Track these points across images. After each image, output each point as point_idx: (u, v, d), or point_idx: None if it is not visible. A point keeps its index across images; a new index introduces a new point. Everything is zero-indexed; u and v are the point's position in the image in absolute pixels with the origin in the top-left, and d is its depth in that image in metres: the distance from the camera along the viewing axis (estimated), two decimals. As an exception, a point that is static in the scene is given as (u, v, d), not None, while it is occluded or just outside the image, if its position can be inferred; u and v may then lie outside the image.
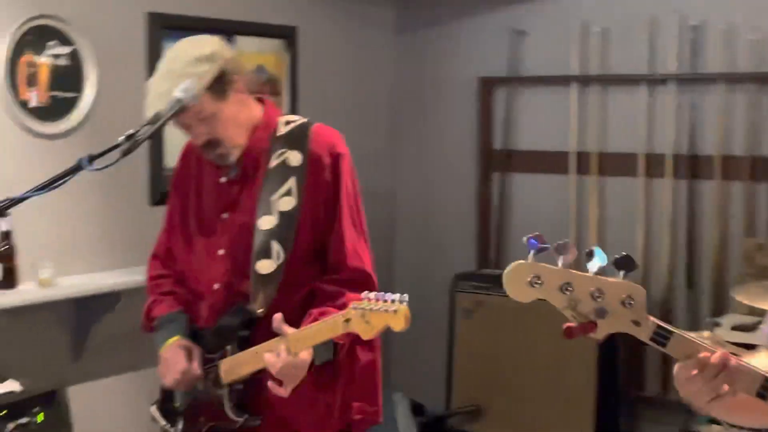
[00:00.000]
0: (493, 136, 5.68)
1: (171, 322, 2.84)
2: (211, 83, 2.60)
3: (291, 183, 2.68)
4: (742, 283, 4.06)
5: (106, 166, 2.42)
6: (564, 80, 5.38)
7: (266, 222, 2.66)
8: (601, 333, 1.82)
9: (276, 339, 2.53)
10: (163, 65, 2.66)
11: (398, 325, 2.37)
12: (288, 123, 2.78)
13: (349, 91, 5.63)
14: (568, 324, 1.83)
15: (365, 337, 2.41)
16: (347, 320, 2.42)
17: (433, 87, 5.84)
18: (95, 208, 4.30)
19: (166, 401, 2.95)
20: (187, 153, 2.91)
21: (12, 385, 3.53)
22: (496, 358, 5.09)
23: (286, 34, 5.18)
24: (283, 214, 2.66)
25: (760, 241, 4.78)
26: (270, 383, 2.54)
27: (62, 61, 4.13)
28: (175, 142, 2.96)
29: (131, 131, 2.46)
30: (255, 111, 2.77)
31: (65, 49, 4.14)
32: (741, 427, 2.79)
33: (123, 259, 4.30)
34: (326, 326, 2.49)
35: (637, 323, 1.81)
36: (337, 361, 2.72)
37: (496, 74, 5.59)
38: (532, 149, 5.55)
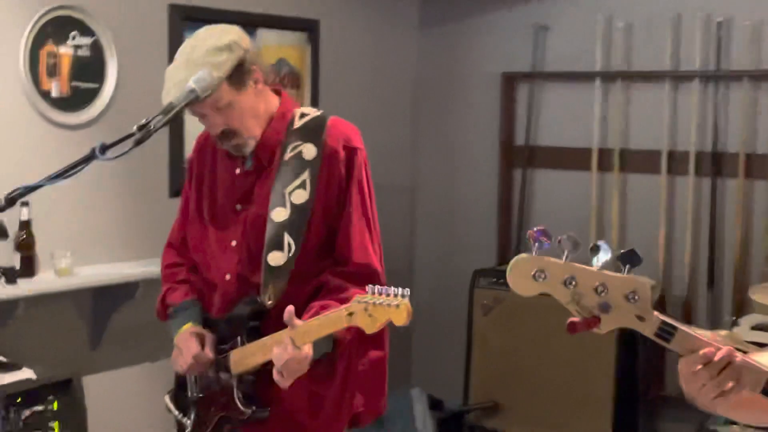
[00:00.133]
0: (515, 131, 5.65)
1: (185, 310, 2.85)
2: (229, 73, 2.60)
3: (305, 176, 2.67)
4: (761, 283, 4.03)
5: (119, 156, 2.42)
6: (587, 76, 5.35)
7: (279, 214, 2.66)
8: (604, 328, 1.80)
9: (282, 331, 2.53)
10: (182, 54, 2.65)
11: (400, 319, 2.36)
12: (304, 115, 2.77)
13: (370, 86, 5.62)
14: (572, 318, 1.82)
15: (368, 331, 2.41)
16: (350, 314, 2.42)
17: (456, 82, 5.82)
18: (115, 198, 4.32)
19: (179, 391, 2.97)
20: (203, 143, 2.91)
21: (27, 373, 3.55)
22: (515, 355, 5.07)
23: (308, 28, 5.19)
24: (295, 207, 2.66)
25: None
26: (275, 374, 2.54)
27: (84, 52, 4.15)
28: (195, 133, 2.96)
29: (144, 121, 2.46)
30: (272, 102, 2.76)
31: (86, 40, 4.16)
32: (758, 428, 2.76)
33: (141, 250, 4.32)
34: (330, 320, 2.49)
35: (641, 318, 1.79)
36: (345, 357, 2.73)
37: (519, 70, 5.57)
38: (554, 145, 5.53)
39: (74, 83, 4.14)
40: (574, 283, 1.78)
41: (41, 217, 3.96)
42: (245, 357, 2.69)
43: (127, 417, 4.35)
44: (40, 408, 3.52)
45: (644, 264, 5.66)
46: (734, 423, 3.92)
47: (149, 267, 4.09)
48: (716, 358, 1.77)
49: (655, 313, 1.80)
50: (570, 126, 5.46)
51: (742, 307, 4.89)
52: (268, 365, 2.61)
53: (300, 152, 2.70)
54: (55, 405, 3.57)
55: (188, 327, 2.78)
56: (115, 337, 4.29)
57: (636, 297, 1.78)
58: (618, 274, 1.78)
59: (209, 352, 2.74)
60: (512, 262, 1.80)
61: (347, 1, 5.44)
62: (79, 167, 2.46)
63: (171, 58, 2.71)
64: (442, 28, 5.84)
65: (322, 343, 2.56)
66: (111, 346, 4.29)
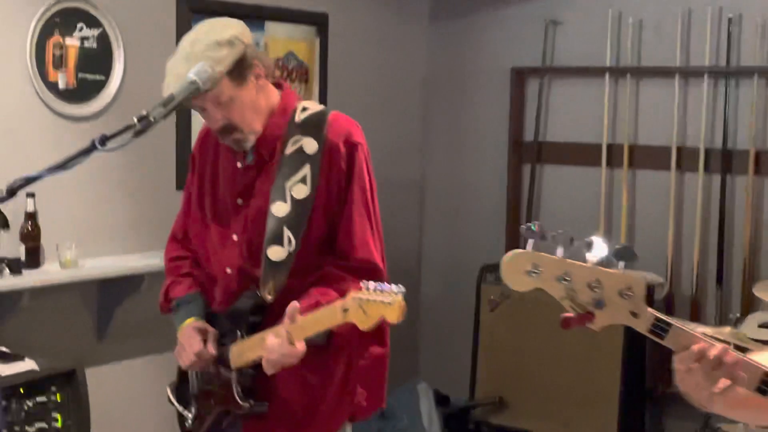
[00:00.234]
0: (525, 127, 5.64)
1: (188, 304, 2.86)
2: (230, 68, 2.59)
3: (306, 170, 2.66)
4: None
5: (119, 147, 2.42)
6: (597, 72, 5.33)
7: (279, 208, 2.66)
8: (598, 324, 1.80)
9: (279, 326, 2.54)
10: (182, 47, 2.64)
11: (393, 316, 2.35)
12: (305, 109, 2.75)
13: (380, 80, 5.61)
14: (566, 314, 1.82)
15: (362, 327, 2.40)
16: (345, 310, 2.42)
17: (466, 77, 5.80)
18: (121, 191, 4.33)
19: (181, 384, 2.98)
20: (206, 136, 2.90)
21: (30, 364, 3.55)
22: (522, 351, 5.06)
23: (317, 21, 5.18)
24: (296, 201, 2.65)
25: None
26: (263, 362, 2.56)
27: (90, 44, 4.16)
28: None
29: (144, 112, 2.45)
30: (273, 97, 2.75)
31: (93, 32, 4.16)
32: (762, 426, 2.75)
33: (147, 243, 4.32)
34: (326, 315, 2.49)
35: (635, 315, 1.79)
36: (345, 352, 2.73)
37: (529, 65, 5.55)
38: (564, 141, 5.51)
39: (81, 75, 4.14)
40: (568, 279, 1.78)
41: (47, 208, 3.97)
42: (244, 351, 2.69)
43: (131, 409, 4.36)
44: (42, 399, 3.53)
45: (653, 261, 5.68)
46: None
47: (155, 260, 4.08)
48: (710, 355, 1.76)
49: (649, 309, 1.79)
50: (579, 121, 5.44)
51: (751, 304, 4.86)
52: (266, 360, 2.63)
53: (301, 147, 2.69)
54: (58, 396, 3.58)
55: (191, 322, 2.79)
56: (120, 329, 4.29)
57: (630, 293, 1.77)
58: (612, 271, 1.78)
59: (212, 349, 2.74)
60: (506, 257, 1.80)
61: (357, -5, 5.43)
62: (79, 158, 2.45)
63: (179, 51, 2.70)
64: (452, 22, 5.82)
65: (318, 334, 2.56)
66: (116, 338, 4.30)
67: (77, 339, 4.18)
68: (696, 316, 5.04)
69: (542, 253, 1.79)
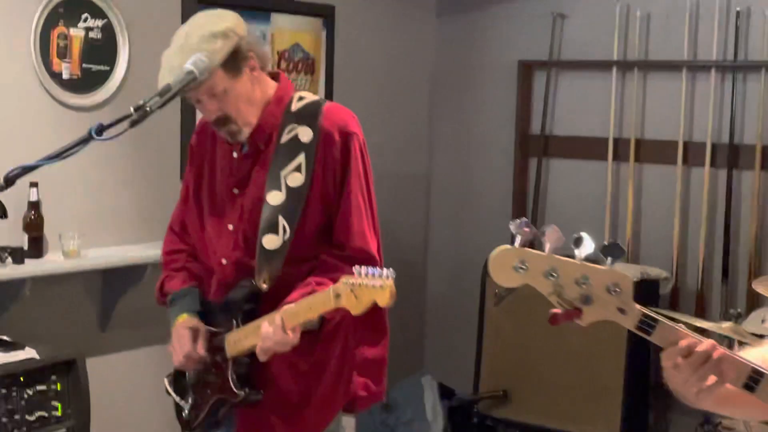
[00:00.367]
0: (532, 120, 5.62)
1: (182, 298, 2.88)
2: (224, 60, 2.60)
3: (301, 159, 2.68)
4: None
5: (115, 136, 2.43)
6: (604, 65, 5.31)
7: (274, 197, 2.67)
8: (586, 320, 1.80)
9: (273, 313, 2.55)
10: (177, 39, 2.67)
11: (384, 300, 2.37)
12: (301, 99, 2.77)
13: (386, 73, 5.60)
14: (554, 310, 1.81)
15: (354, 312, 2.42)
16: (338, 295, 2.43)
17: (473, 70, 5.79)
18: (124, 181, 4.33)
19: (178, 376, 3.00)
20: (203, 128, 2.92)
21: (30, 353, 3.56)
22: (526, 345, 5.05)
23: (323, 13, 5.17)
24: (291, 190, 2.66)
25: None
26: (257, 348, 2.58)
27: (95, 34, 4.16)
28: (207, 116, 2.98)
29: (141, 102, 2.47)
30: (269, 88, 2.76)
31: (98, 22, 4.16)
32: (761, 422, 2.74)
33: (150, 233, 4.32)
34: (318, 301, 2.50)
35: (622, 311, 1.78)
36: (341, 341, 2.74)
37: (536, 58, 5.53)
38: (570, 134, 5.49)
39: (85, 65, 4.14)
40: (555, 274, 1.77)
41: (50, 198, 3.98)
42: (240, 340, 2.70)
43: (133, 399, 4.37)
44: (42, 388, 3.54)
45: (658, 255, 5.65)
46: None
47: (158, 250, 3.99)
48: (697, 351, 1.76)
49: (637, 305, 1.78)
50: (586, 115, 5.42)
51: (756, 299, 4.84)
52: (261, 348, 2.64)
53: (296, 135, 2.70)
54: (59, 386, 3.59)
55: (183, 320, 2.81)
56: (122, 319, 4.30)
57: (617, 289, 1.77)
58: (600, 267, 1.77)
59: (201, 350, 2.76)
60: (493, 253, 1.80)
61: (364, -13, 5.42)
62: (76, 148, 2.47)
63: (185, 42, 2.70)
64: (460, 15, 5.81)
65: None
66: (119, 328, 4.31)
67: (80, 329, 4.19)
68: (701, 311, 5.02)
69: (529, 249, 1.79)
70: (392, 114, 5.63)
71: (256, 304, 2.70)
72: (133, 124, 2.44)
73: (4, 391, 3.43)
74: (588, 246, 1.78)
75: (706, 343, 1.77)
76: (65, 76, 4.08)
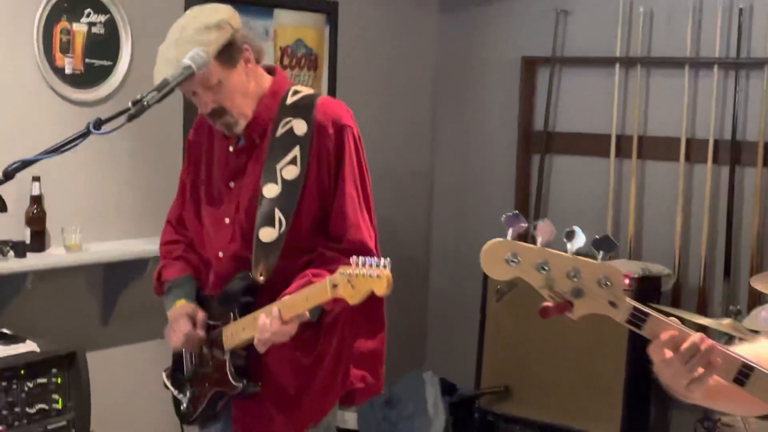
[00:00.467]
0: (534, 116, 5.62)
1: (179, 286, 2.90)
2: (218, 51, 2.62)
3: (296, 151, 2.69)
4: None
5: (113, 130, 2.45)
6: (607, 62, 5.31)
7: (270, 190, 2.69)
8: (577, 313, 1.81)
9: (270, 305, 2.56)
10: (172, 33, 2.69)
11: (381, 289, 2.38)
12: (296, 92, 2.79)
13: (389, 69, 5.60)
14: (545, 303, 1.82)
15: (351, 302, 2.43)
16: (335, 285, 2.44)
17: (476, 66, 5.79)
18: (127, 175, 4.35)
19: (176, 369, 3.02)
20: (201, 123, 2.94)
21: (31, 346, 3.58)
22: (528, 341, 5.05)
23: (326, 9, 5.17)
24: (287, 183, 2.68)
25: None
26: (255, 340, 2.60)
27: (98, 29, 4.17)
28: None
29: (138, 97, 2.48)
30: (264, 81, 2.77)
31: (101, 17, 4.17)
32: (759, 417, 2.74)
33: (152, 227, 4.32)
34: (315, 292, 2.52)
35: (613, 304, 1.79)
36: (338, 333, 2.75)
37: (540, 54, 5.53)
38: (573, 131, 5.49)
39: (88, 60, 4.16)
40: (547, 268, 1.78)
41: (53, 192, 4.00)
42: (237, 332, 2.72)
43: (134, 393, 4.38)
44: (43, 381, 3.56)
45: (660, 251, 5.63)
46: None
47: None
48: (685, 344, 1.76)
49: (628, 299, 1.79)
50: (589, 112, 5.42)
51: (758, 296, 4.84)
52: (258, 340, 2.65)
53: (291, 128, 2.72)
54: (59, 379, 3.60)
55: (181, 304, 2.82)
56: (124, 313, 4.32)
57: (609, 283, 1.77)
58: (591, 260, 1.78)
59: (200, 331, 2.78)
60: (485, 246, 1.81)
61: (367, -17, 5.42)
62: (75, 142, 2.49)
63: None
64: (463, 11, 5.81)
65: (309, 312, 2.58)
66: (120, 322, 4.33)
67: (81, 322, 4.21)
68: (703, 308, 5.02)
69: (521, 242, 1.79)
70: (395, 110, 5.63)
71: (254, 296, 2.72)
72: (131, 118, 2.46)
73: (4, 383, 3.45)
74: (580, 239, 1.79)
75: (694, 335, 1.78)
76: (68, 71, 4.10)
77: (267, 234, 2.66)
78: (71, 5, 4.07)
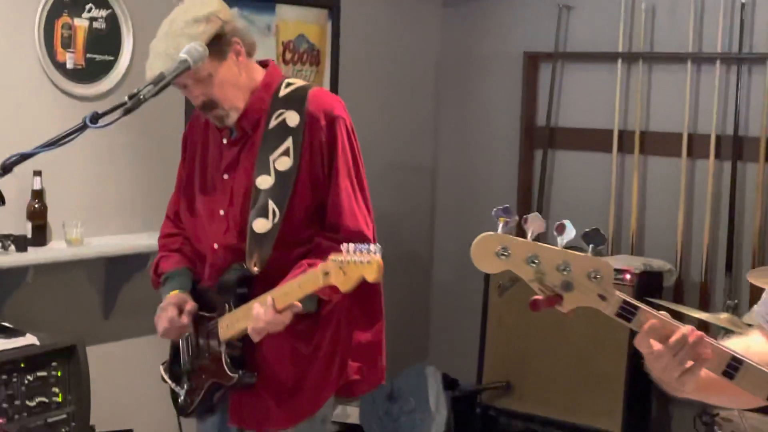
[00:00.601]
0: (537, 112, 5.63)
1: (175, 278, 2.91)
2: (207, 43, 2.63)
3: (288, 143, 2.71)
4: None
5: (108, 124, 2.46)
6: (610, 57, 5.31)
7: (264, 181, 2.70)
8: (567, 306, 1.81)
9: (264, 294, 2.57)
10: (163, 27, 2.73)
11: (372, 275, 2.38)
12: (289, 85, 2.80)
13: (392, 64, 5.60)
14: (535, 296, 1.83)
15: (343, 289, 2.43)
16: (326, 273, 2.45)
17: (478, 61, 5.79)
18: (128, 169, 4.36)
19: (173, 362, 3.03)
20: (196, 117, 2.96)
21: (31, 340, 3.59)
22: (529, 336, 5.05)
23: (328, 4, 5.18)
24: (280, 174, 2.69)
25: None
26: (249, 329, 2.61)
27: (99, 24, 4.18)
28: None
29: (134, 91, 2.50)
30: (257, 74, 2.79)
31: (102, 12, 4.18)
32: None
33: (153, 221, 4.30)
34: (307, 280, 2.53)
35: (603, 298, 1.79)
36: (333, 324, 2.76)
37: (542, 49, 5.53)
38: (575, 126, 5.49)
39: (89, 55, 4.17)
40: (537, 261, 1.79)
41: (54, 186, 4.01)
42: (233, 323, 2.73)
43: (134, 386, 4.40)
44: (43, 374, 3.57)
45: (662, 247, 5.62)
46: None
47: None
48: (674, 336, 1.77)
49: (617, 293, 1.79)
50: (591, 107, 5.42)
51: (760, 291, 4.82)
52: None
53: (284, 120, 2.73)
54: (59, 372, 3.62)
55: (174, 293, 2.83)
56: (125, 307, 4.33)
57: (598, 276, 1.78)
58: (581, 254, 1.78)
59: (185, 318, 2.79)
60: (476, 239, 1.81)
61: (370, -22, 5.42)
62: (72, 135, 2.50)
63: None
64: (465, 6, 5.81)
65: (306, 302, 2.59)
66: (122, 316, 4.34)
67: (82, 316, 4.23)
68: (704, 303, 5.02)
69: (511, 236, 1.80)
70: (398, 105, 5.63)
71: (249, 288, 2.73)
72: (127, 112, 2.48)
73: (4, 377, 3.46)
74: (570, 233, 1.80)
75: (683, 328, 1.78)
76: (69, 66, 4.11)
77: (260, 225, 2.68)
78: (73, 0, 4.08)
